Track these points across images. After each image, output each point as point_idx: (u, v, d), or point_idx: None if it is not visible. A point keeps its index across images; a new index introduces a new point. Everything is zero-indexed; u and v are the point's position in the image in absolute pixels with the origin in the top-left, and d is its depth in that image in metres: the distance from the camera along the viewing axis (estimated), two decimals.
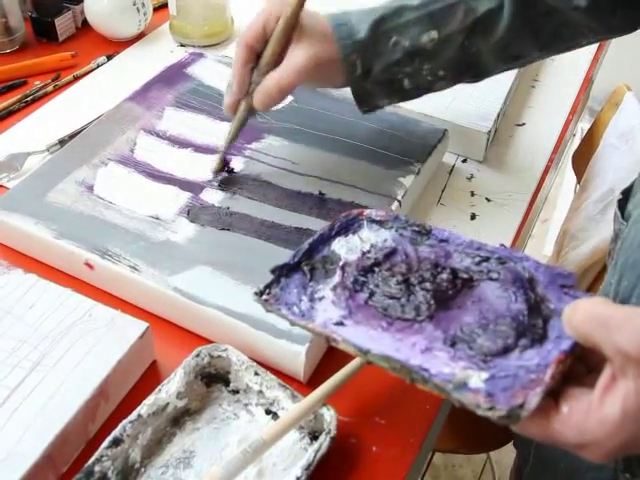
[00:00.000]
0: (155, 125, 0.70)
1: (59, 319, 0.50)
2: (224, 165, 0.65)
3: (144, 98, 0.73)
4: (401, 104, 0.70)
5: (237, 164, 0.66)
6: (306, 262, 0.48)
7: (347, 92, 0.69)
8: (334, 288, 0.46)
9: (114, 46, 0.90)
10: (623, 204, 0.64)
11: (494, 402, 0.36)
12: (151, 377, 0.52)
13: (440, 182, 0.73)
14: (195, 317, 0.54)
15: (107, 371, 0.47)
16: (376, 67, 0.59)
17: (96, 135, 0.69)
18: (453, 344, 0.41)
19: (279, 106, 0.63)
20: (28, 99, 0.80)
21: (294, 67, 0.57)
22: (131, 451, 0.45)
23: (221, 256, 0.57)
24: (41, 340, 0.49)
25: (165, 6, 0.95)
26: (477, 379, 0.38)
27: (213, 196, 0.63)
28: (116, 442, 0.44)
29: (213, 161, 0.65)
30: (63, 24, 0.90)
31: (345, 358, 0.50)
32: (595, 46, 0.98)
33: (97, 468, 0.43)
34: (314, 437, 0.48)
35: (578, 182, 1.02)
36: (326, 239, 0.49)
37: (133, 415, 0.46)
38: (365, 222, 0.50)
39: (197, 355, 0.50)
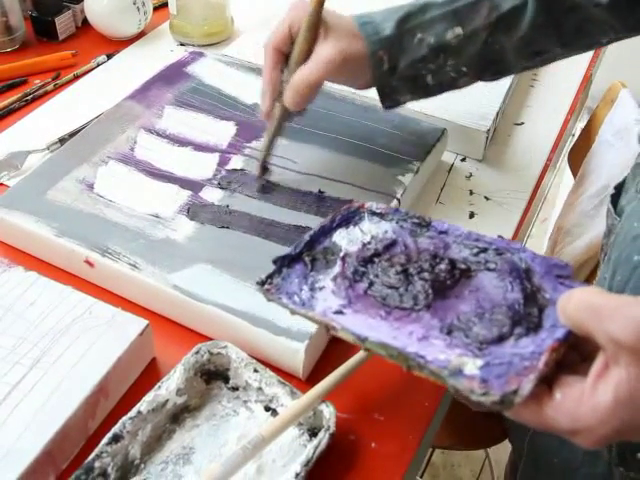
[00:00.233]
0: (155, 124, 0.70)
1: (59, 316, 0.50)
2: (264, 170, 0.65)
3: (144, 97, 0.74)
4: None
5: (237, 163, 0.66)
6: (307, 253, 0.48)
7: (347, 91, 0.69)
8: (334, 278, 0.47)
9: (114, 45, 0.91)
10: (616, 199, 0.64)
11: (488, 388, 0.37)
12: (151, 374, 0.52)
13: (439, 181, 0.73)
14: (195, 315, 0.54)
15: (107, 368, 0.48)
16: (402, 63, 0.60)
17: (96, 134, 0.69)
18: (449, 332, 0.42)
19: None
20: (28, 98, 0.80)
21: (322, 61, 0.58)
22: (131, 447, 0.45)
23: (221, 254, 0.57)
24: (41, 337, 0.49)
25: (165, 5, 0.95)
26: (472, 366, 0.38)
27: (213, 194, 0.63)
28: (116, 438, 0.45)
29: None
30: (63, 23, 0.90)
31: (344, 355, 0.50)
32: None
33: (97, 464, 0.43)
34: (313, 433, 0.48)
35: (574, 178, 1.03)
36: (327, 231, 0.50)
37: (133, 412, 0.46)
38: (366, 214, 0.51)
39: (197, 352, 0.50)
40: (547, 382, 0.38)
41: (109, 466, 0.44)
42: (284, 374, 0.51)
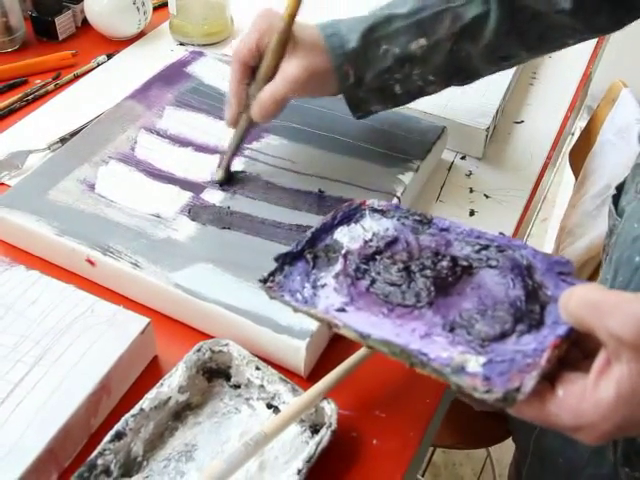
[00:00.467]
0: (155, 124, 0.71)
1: (61, 315, 0.51)
2: (228, 175, 0.65)
3: (144, 97, 0.74)
4: None
5: (237, 164, 0.66)
6: (309, 250, 0.48)
7: None
8: (336, 276, 0.47)
9: (114, 45, 0.91)
10: (617, 199, 0.64)
11: (491, 385, 0.37)
12: (153, 372, 0.52)
13: (439, 179, 0.73)
14: (196, 313, 0.54)
15: (109, 366, 0.48)
16: (368, 75, 0.60)
17: (97, 133, 0.69)
18: (452, 329, 0.42)
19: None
20: (29, 98, 0.80)
21: (288, 79, 0.58)
22: (133, 445, 0.46)
23: (222, 254, 0.57)
24: (43, 335, 0.49)
25: (165, 5, 0.96)
26: (475, 363, 0.38)
27: (214, 196, 0.63)
28: (118, 436, 0.45)
29: (216, 171, 0.65)
30: (63, 23, 0.90)
31: (346, 353, 0.50)
32: (593, 43, 0.98)
33: (100, 462, 0.44)
34: (315, 430, 0.48)
35: (576, 178, 1.03)
36: (329, 228, 0.50)
37: (135, 409, 0.46)
38: (367, 211, 0.51)
39: (198, 350, 0.50)
40: (549, 379, 0.38)
41: (112, 463, 0.44)
42: (286, 372, 0.51)
